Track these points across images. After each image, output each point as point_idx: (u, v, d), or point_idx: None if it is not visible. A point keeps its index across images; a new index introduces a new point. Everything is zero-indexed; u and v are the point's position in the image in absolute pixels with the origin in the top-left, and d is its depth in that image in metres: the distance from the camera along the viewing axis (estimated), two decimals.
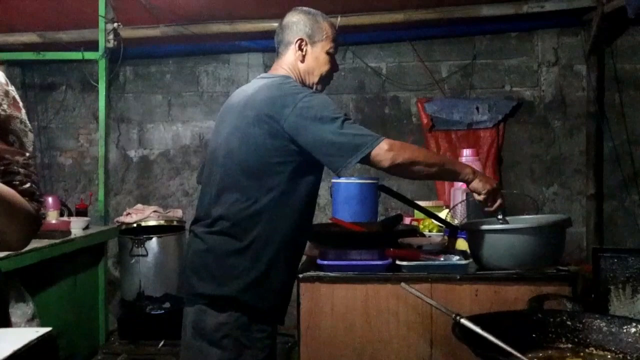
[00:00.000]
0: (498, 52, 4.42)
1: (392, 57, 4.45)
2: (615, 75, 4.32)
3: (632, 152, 4.34)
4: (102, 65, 3.72)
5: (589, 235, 4.33)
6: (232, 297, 2.00)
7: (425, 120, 4.38)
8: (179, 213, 3.57)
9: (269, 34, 4.14)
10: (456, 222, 2.75)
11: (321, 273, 2.11)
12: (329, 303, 2.10)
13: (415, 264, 2.07)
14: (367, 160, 1.97)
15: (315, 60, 2.21)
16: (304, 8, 2.29)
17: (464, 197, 2.74)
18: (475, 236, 2.10)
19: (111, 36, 3.74)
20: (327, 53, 2.22)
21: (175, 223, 3.48)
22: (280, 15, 4.00)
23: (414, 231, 2.58)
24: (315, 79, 2.23)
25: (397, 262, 2.09)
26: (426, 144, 4.39)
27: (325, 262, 2.10)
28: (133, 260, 3.37)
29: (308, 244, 2.52)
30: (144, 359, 3.23)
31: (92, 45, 3.89)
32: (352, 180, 3.38)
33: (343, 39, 4.18)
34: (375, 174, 3.93)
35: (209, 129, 4.50)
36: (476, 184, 2.07)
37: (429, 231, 2.72)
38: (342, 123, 1.99)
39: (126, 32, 3.98)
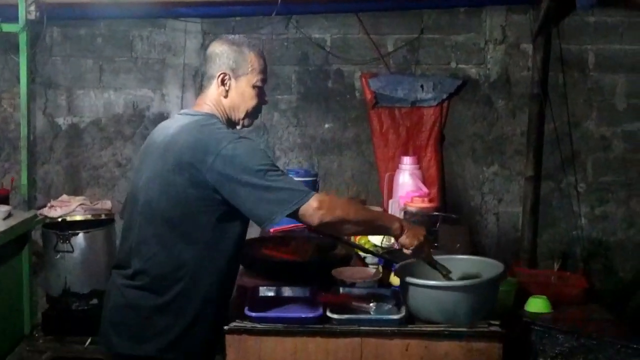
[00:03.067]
0: (446, 28, 4.29)
1: (337, 28, 4.27)
2: (560, 56, 4.27)
3: (571, 134, 4.35)
4: (22, 39, 3.43)
5: (525, 216, 4.37)
6: (152, 358, 1.93)
7: (369, 96, 4.27)
8: (107, 205, 3.41)
9: (209, 3, 3.94)
10: (392, 240, 2.70)
11: (248, 325, 2.04)
12: (256, 356, 2.04)
13: (346, 318, 2.03)
14: (294, 215, 1.89)
15: (241, 95, 2.08)
16: (230, 37, 2.17)
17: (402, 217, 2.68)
18: (406, 287, 2.06)
19: (32, 7, 3.44)
20: (254, 87, 2.09)
21: (103, 217, 3.33)
22: None
23: (349, 258, 2.52)
24: (241, 114, 2.12)
25: (328, 314, 2.04)
26: (369, 119, 4.30)
27: (254, 314, 2.03)
28: (58, 256, 3.22)
29: (240, 269, 2.46)
30: (70, 358, 3.16)
31: (13, 11, 3.60)
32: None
33: (286, 9, 4.02)
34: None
35: (144, 98, 4.30)
36: (404, 239, 2.04)
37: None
38: (269, 175, 1.89)
39: None
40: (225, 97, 2.09)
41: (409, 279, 2.03)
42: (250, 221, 1.98)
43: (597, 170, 4.40)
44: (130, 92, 4.29)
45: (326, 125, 4.34)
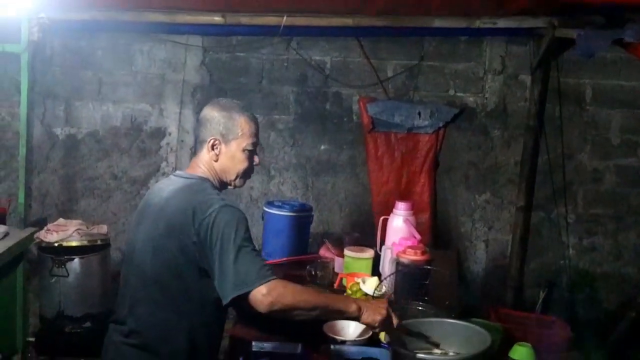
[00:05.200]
0: (446, 56, 4.31)
1: (337, 51, 4.28)
2: (558, 89, 4.30)
3: (564, 166, 4.40)
4: (24, 59, 3.44)
5: (514, 244, 4.42)
6: None
7: (366, 121, 4.29)
8: (103, 229, 3.43)
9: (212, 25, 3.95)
10: (384, 289, 2.76)
11: None
12: None
13: None
14: (245, 299, 1.91)
15: (231, 159, 2.13)
16: (222, 102, 2.23)
17: (394, 268, 2.73)
18: (394, 355, 2.11)
19: (35, 28, 3.44)
20: (244, 150, 2.13)
21: (99, 242, 3.36)
22: (222, 9, 3.81)
23: None
24: (232, 177, 2.18)
25: None
26: (365, 143, 4.33)
27: None
28: (53, 280, 3.25)
29: (235, 318, 2.52)
30: None
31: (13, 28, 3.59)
32: (284, 212, 3.33)
33: (288, 31, 4.04)
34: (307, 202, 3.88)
35: (142, 112, 4.31)
36: (366, 319, 2.04)
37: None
38: (240, 251, 1.92)
39: (53, 14, 3.67)
40: (216, 161, 2.15)
41: (398, 349, 2.08)
42: None
43: (588, 202, 4.46)
44: (128, 106, 4.30)
45: (322, 147, 4.37)
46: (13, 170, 4.18)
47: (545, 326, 3.23)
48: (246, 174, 2.21)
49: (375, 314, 2.03)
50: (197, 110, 4.28)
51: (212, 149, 2.14)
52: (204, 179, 2.13)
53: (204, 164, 2.16)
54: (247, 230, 2.00)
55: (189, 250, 1.97)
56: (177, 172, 2.25)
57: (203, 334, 2.07)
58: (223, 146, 2.14)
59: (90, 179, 4.33)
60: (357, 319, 2.05)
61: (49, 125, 4.28)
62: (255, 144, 2.19)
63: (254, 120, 2.20)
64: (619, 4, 3.31)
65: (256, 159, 2.22)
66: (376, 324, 2.04)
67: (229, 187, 2.24)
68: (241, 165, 2.17)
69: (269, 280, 1.91)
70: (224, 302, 1.93)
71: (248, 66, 4.28)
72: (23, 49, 3.44)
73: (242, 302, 1.93)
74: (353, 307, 2.02)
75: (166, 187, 2.13)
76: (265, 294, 1.89)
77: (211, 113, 2.16)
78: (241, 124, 2.14)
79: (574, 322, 4.04)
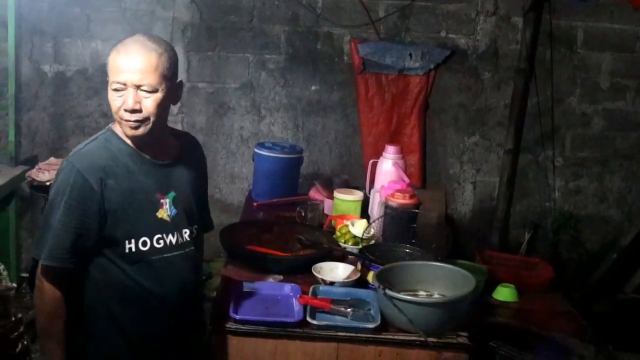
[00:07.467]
0: None
1: None
2: (550, 32, 4.29)
3: (553, 109, 4.43)
4: None
5: (501, 186, 4.49)
6: None
7: (357, 62, 4.27)
8: None
9: None
10: (372, 232, 2.81)
11: (232, 326, 2.14)
12: (239, 356, 2.16)
13: (325, 324, 2.14)
14: None
15: (110, 102, 1.94)
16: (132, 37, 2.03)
17: (382, 211, 2.77)
18: (382, 297, 2.17)
19: None
20: (113, 89, 1.91)
21: None
22: None
23: (329, 253, 2.62)
24: (117, 122, 1.98)
25: (307, 319, 2.15)
26: (356, 84, 4.32)
27: (238, 317, 2.14)
28: None
29: (226, 259, 2.56)
30: None
31: None
32: (274, 153, 3.35)
33: None
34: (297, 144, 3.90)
35: None
36: None
37: (344, 242, 2.76)
38: (50, 218, 1.91)
39: None
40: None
41: (384, 291, 2.14)
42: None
43: (575, 145, 4.51)
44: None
45: (313, 87, 4.36)
46: (1, 108, 4.15)
47: (528, 267, 3.32)
48: (122, 118, 1.91)
49: None
50: (188, 49, 4.26)
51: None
52: (109, 129, 2.02)
53: None
54: (62, 196, 1.88)
55: None
56: None
57: (112, 298, 1.99)
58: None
59: (80, 117, 4.31)
60: None
61: (37, 62, 4.23)
62: (120, 83, 1.88)
63: (126, 53, 1.92)
64: None
65: (127, 101, 1.88)
66: None
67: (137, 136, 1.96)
68: (113, 105, 1.92)
69: (48, 266, 1.91)
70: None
71: (239, 4, 4.22)
72: None
73: None
74: None
75: None
76: (38, 276, 1.94)
77: None
78: (111, 61, 1.93)
79: (557, 263, 4.16)
